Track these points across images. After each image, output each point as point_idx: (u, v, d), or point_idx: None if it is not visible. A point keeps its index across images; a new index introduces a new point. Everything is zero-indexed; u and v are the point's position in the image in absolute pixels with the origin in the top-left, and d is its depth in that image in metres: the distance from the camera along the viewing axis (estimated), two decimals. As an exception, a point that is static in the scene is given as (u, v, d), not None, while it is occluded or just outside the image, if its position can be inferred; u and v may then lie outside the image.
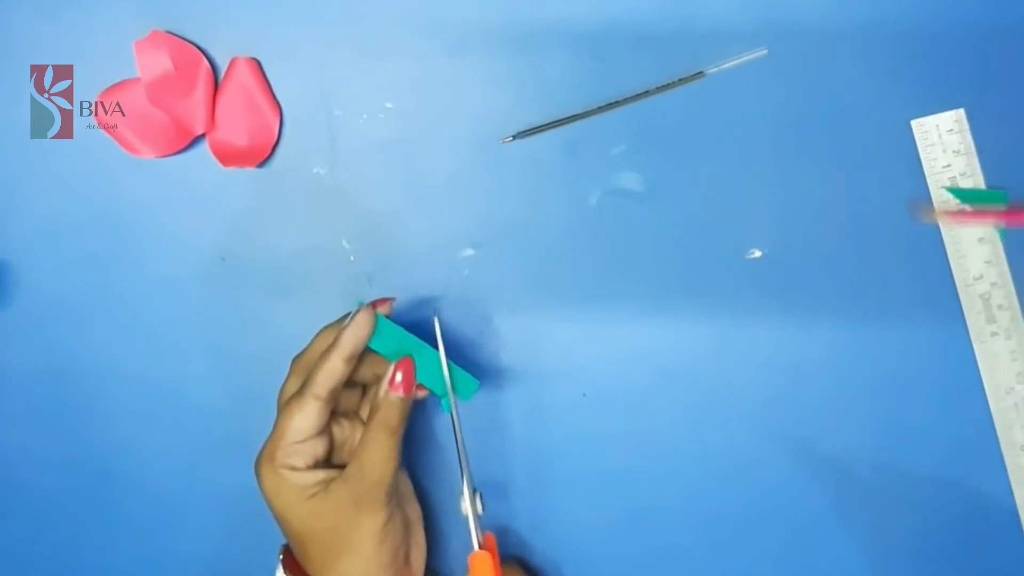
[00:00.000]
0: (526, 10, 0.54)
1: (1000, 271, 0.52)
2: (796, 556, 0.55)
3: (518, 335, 0.55)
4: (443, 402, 0.50)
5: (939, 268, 0.53)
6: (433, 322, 0.50)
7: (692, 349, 0.54)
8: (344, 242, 0.55)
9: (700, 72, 0.53)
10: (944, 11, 0.52)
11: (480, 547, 0.48)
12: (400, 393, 0.48)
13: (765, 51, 0.53)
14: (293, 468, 0.48)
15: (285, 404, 0.49)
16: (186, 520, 0.57)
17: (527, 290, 0.55)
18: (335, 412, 0.51)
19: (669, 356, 0.54)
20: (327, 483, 0.48)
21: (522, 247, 0.55)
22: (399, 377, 0.48)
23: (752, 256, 0.54)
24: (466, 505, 0.49)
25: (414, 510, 0.53)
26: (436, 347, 0.50)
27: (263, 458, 0.48)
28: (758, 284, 0.54)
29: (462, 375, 0.50)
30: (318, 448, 0.49)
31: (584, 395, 0.55)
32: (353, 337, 0.48)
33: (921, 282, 0.53)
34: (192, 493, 0.57)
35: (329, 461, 0.50)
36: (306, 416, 0.48)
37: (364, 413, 0.52)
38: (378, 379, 0.50)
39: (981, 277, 0.52)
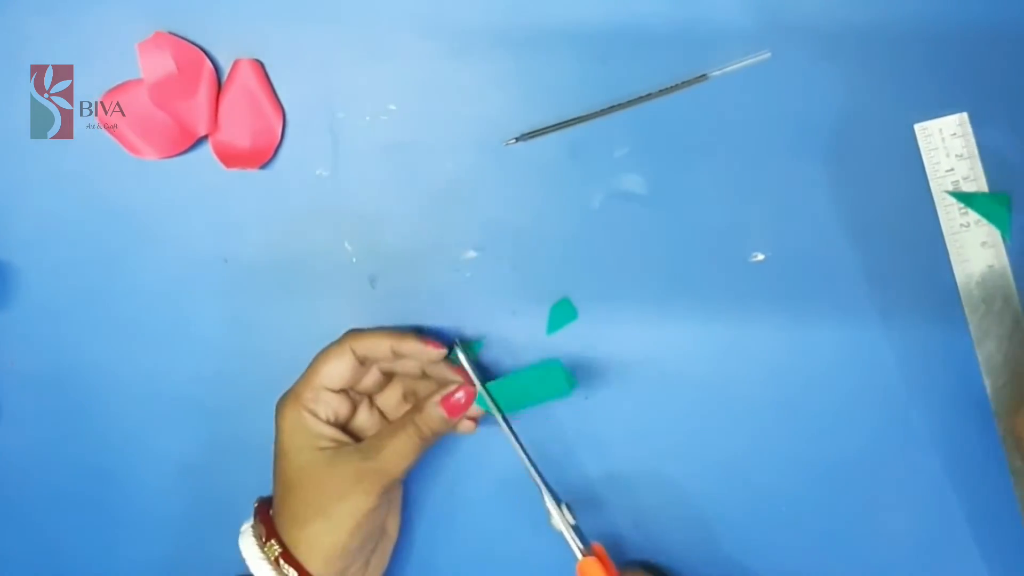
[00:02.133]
0: (529, 12, 0.54)
1: (1003, 275, 0.52)
2: (798, 557, 0.55)
3: (520, 337, 0.55)
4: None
5: (941, 271, 0.53)
6: (456, 351, 0.51)
7: (694, 352, 0.54)
8: (346, 244, 0.55)
9: (703, 75, 0.53)
10: (947, 15, 0.52)
11: (583, 555, 0.48)
12: (444, 413, 0.49)
13: (768, 54, 0.53)
14: (314, 414, 0.49)
15: (321, 352, 0.50)
16: (186, 521, 0.57)
17: (529, 293, 0.55)
18: (370, 399, 0.52)
19: (671, 359, 0.54)
20: (340, 444, 0.49)
21: (525, 249, 0.55)
22: (459, 397, 0.49)
23: (755, 259, 0.54)
24: (556, 520, 0.49)
25: (394, 525, 0.53)
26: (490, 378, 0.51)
27: (288, 396, 0.50)
28: (761, 287, 0.54)
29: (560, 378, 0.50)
30: (341, 408, 0.50)
31: (586, 398, 0.55)
32: (415, 351, 0.50)
33: (923, 285, 0.53)
34: (192, 494, 0.57)
35: (346, 430, 0.51)
36: (338, 364, 0.49)
37: (390, 412, 0.53)
38: (426, 378, 0.51)
39: (983, 281, 0.52)
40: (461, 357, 0.51)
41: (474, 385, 0.50)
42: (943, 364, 0.53)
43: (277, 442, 0.50)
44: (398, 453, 0.49)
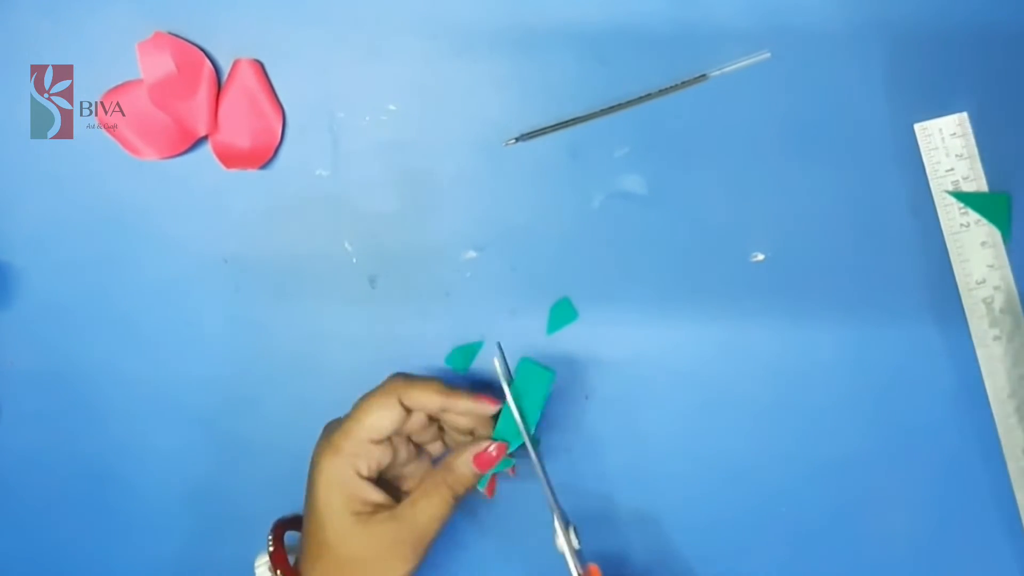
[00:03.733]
0: (530, 13, 0.54)
1: (1003, 275, 0.52)
2: (799, 557, 0.55)
3: (520, 337, 0.55)
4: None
5: (942, 272, 0.53)
6: (494, 362, 0.49)
7: (695, 352, 0.54)
8: (346, 244, 0.55)
9: (703, 75, 0.53)
10: (947, 15, 0.52)
11: None
12: (476, 469, 0.49)
13: (768, 54, 0.53)
14: (355, 469, 0.48)
15: (364, 399, 0.49)
16: (185, 522, 0.57)
17: (529, 292, 0.55)
18: (409, 438, 0.51)
19: (672, 359, 0.54)
20: (375, 510, 0.48)
21: (525, 250, 0.55)
22: (491, 451, 0.49)
23: (755, 259, 0.54)
24: (561, 541, 0.49)
25: None
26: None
27: (328, 446, 0.48)
28: (761, 287, 0.54)
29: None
30: (384, 457, 0.49)
31: (587, 397, 0.55)
32: (468, 409, 0.49)
33: (924, 286, 0.53)
34: (192, 494, 0.57)
35: (382, 480, 0.50)
36: (385, 416, 0.48)
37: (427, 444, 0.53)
38: (461, 432, 0.50)
39: (984, 281, 0.52)
40: (498, 368, 0.49)
41: (503, 406, 0.49)
42: (943, 364, 0.53)
43: (312, 495, 0.48)
44: (433, 517, 0.48)
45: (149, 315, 0.56)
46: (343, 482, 0.48)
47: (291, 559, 0.50)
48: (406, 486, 0.52)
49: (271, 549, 0.50)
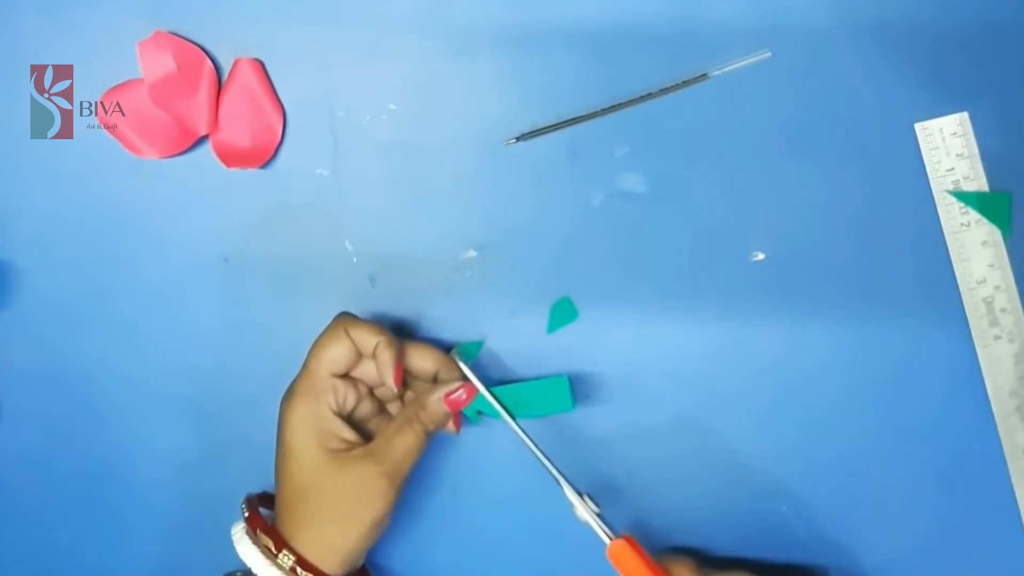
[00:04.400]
0: (530, 12, 0.54)
1: (1003, 274, 0.52)
2: (799, 557, 0.55)
3: (520, 337, 0.55)
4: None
5: (942, 271, 0.53)
6: (455, 359, 0.51)
7: (695, 351, 0.54)
8: (346, 243, 0.55)
9: (704, 75, 0.53)
10: (948, 14, 0.52)
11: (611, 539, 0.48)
12: (447, 408, 0.50)
13: (769, 54, 0.53)
14: (324, 406, 0.49)
15: (316, 341, 0.50)
16: (185, 522, 0.57)
17: (529, 292, 0.55)
18: (372, 393, 0.52)
19: (672, 358, 0.54)
20: (350, 446, 0.49)
21: (525, 249, 0.55)
22: (460, 394, 0.50)
23: (755, 259, 0.54)
24: (581, 511, 0.49)
25: None
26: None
27: (293, 390, 0.50)
28: (761, 287, 0.54)
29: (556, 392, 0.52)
30: (349, 397, 0.50)
31: (587, 396, 0.55)
32: (383, 371, 0.50)
33: (924, 285, 0.53)
34: (192, 493, 0.57)
35: (350, 421, 0.51)
36: (338, 348, 0.49)
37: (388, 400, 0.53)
38: (429, 376, 0.51)
39: (984, 281, 0.52)
40: (459, 361, 0.51)
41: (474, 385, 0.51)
42: (944, 363, 0.53)
43: (282, 442, 0.50)
44: (408, 451, 0.49)
45: (149, 314, 0.56)
46: (314, 419, 0.49)
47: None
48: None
49: (246, 515, 0.51)
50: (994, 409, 0.53)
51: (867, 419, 0.54)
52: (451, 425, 0.51)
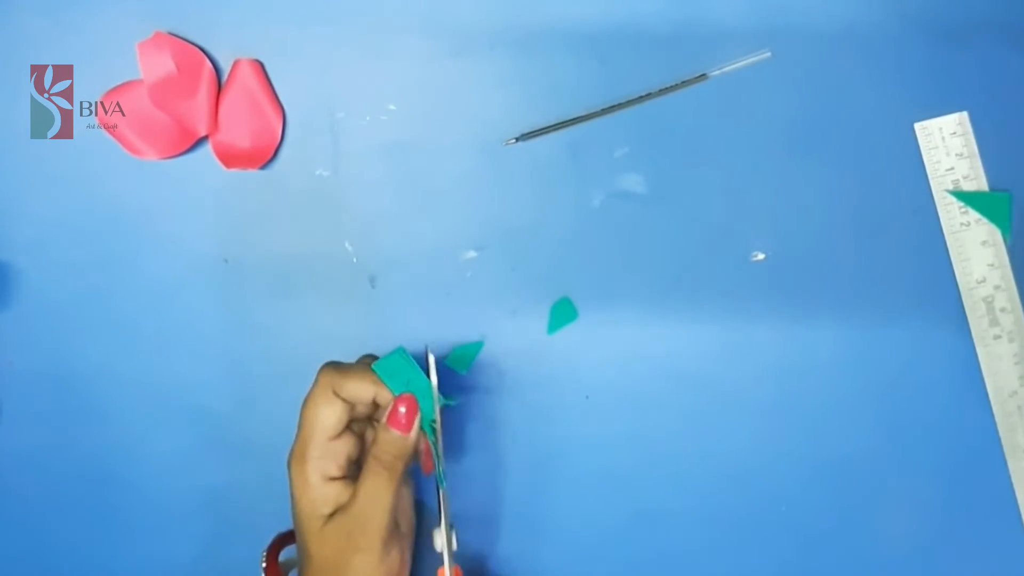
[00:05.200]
0: (530, 12, 0.54)
1: (1003, 274, 0.52)
2: (800, 557, 0.55)
3: (521, 337, 0.55)
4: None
5: (942, 271, 0.53)
6: (427, 356, 0.49)
7: (696, 351, 0.54)
8: (347, 244, 0.55)
9: (703, 75, 0.53)
10: (947, 14, 0.52)
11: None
12: (399, 432, 0.48)
13: (768, 53, 0.53)
14: (322, 472, 0.48)
15: (305, 403, 0.48)
16: (184, 522, 0.57)
17: (529, 292, 0.55)
18: (370, 417, 0.51)
19: (673, 358, 0.54)
20: (337, 508, 0.48)
21: (525, 249, 0.55)
22: (402, 409, 0.48)
23: (755, 259, 0.54)
24: (441, 540, 0.49)
25: (408, 524, 0.52)
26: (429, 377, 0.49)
27: (293, 457, 0.48)
28: (761, 287, 0.54)
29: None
30: (352, 449, 0.49)
31: (587, 397, 0.55)
32: (387, 402, 0.48)
33: (924, 285, 0.53)
34: (191, 495, 0.57)
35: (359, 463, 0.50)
36: (329, 413, 0.48)
37: None
38: (368, 403, 0.49)
39: (984, 280, 0.52)
40: (431, 359, 0.49)
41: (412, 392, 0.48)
42: (944, 363, 0.53)
43: (292, 505, 0.49)
44: (374, 500, 0.47)
45: (149, 315, 0.56)
46: (312, 488, 0.48)
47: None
48: None
49: (264, 565, 0.51)
50: (994, 408, 0.53)
51: (867, 419, 0.54)
52: (422, 467, 0.50)
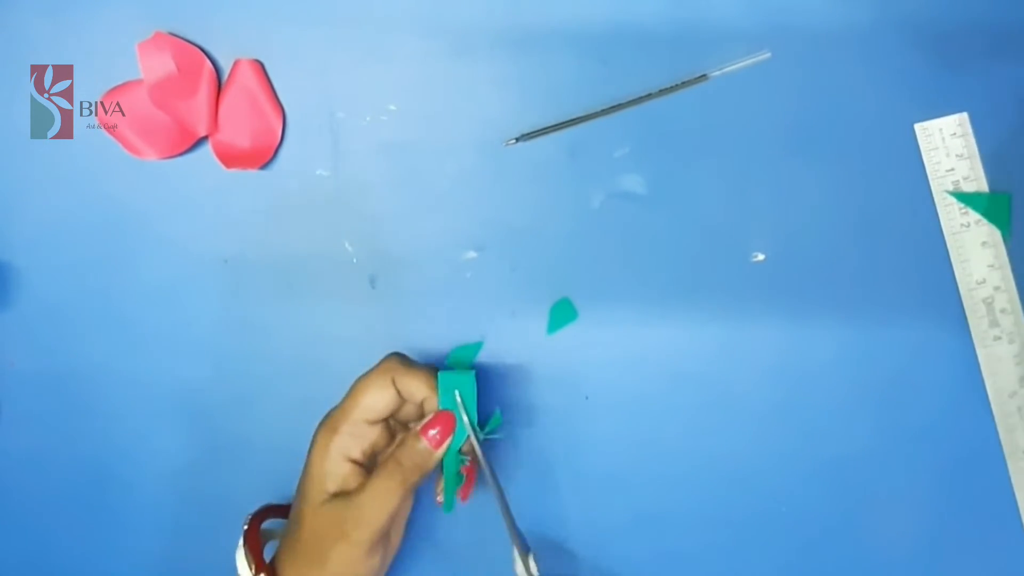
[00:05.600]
0: (530, 13, 0.54)
1: (1003, 275, 0.52)
2: (800, 558, 0.55)
3: (520, 338, 0.55)
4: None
5: (942, 272, 0.53)
6: (456, 399, 0.49)
7: (695, 352, 0.54)
8: (346, 244, 0.55)
9: (703, 75, 0.53)
10: (948, 15, 0.52)
11: None
12: (427, 445, 0.48)
13: (769, 54, 0.53)
14: (344, 450, 0.48)
15: (361, 379, 0.49)
16: (185, 523, 0.57)
17: (529, 293, 0.55)
18: (405, 423, 0.51)
19: (672, 359, 0.54)
20: (339, 492, 0.48)
21: (525, 250, 0.55)
22: (434, 431, 0.48)
23: (755, 259, 0.54)
24: (520, 568, 0.49)
25: (397, 536, 0.51)
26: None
27: (326, 426, 0.49)
28: (761, 287, 0.54)
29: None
30: (380, 440, 0.49)
31: (587, 398, 0.55)
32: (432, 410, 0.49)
33: (924, 286, 0.53)
34: (192, 494, 0.57)
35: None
36: (380, 396, 0.48)
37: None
38: (416, 400, 0.49)
39: (984, 281, 0.52)
40: (458, 398, 0.49)
41: (465, 427, 0.48)
42: (943, 364, 0.53)
43: (305, 469, 0.49)
44: (378, 496, 0.47)
45: (149, 315, 0.56)
46: (332, 461, 0.48)
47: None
48: None
49: (245, 528, 0.51)
50: (994, 410, 0.53)
51: (867, 419, 0.54)
52: (459, 495, 0.50)
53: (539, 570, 0.49)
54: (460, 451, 0.49)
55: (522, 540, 0.49)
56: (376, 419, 0.49)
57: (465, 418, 0.48)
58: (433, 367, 0.50)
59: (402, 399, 0.49)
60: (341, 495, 0.48)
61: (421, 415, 0.51)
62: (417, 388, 0.48)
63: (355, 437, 0.48)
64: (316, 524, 0.48)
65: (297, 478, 0.50)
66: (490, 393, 0.55)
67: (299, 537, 0.48)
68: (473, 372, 0.49)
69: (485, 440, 0.49)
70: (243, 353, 0.56)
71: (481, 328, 0.55)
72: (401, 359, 0.50)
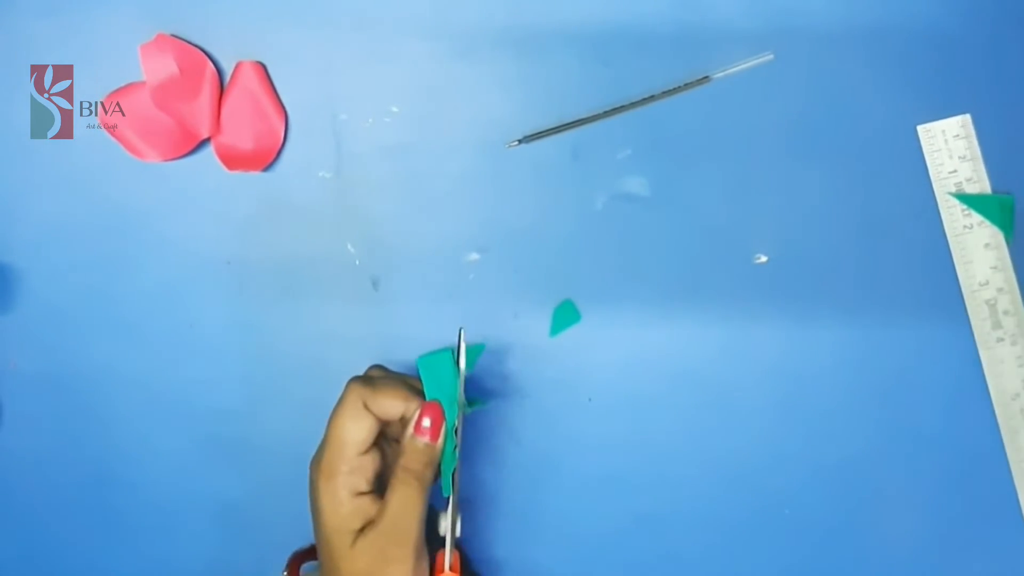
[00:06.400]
0: (532, 14, 0.53)
1: (1006, 277, 0.52)
2: (802, 559, 0.55)
3: (523, 339, 0.55)
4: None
5: (945, 273, 0.53)
6: (459, 334, 0.49)
7: (698, 353, 0.54)
8: (349, 246, 0.55)
9: (706, 77, 0.53)
10: (950, 16, 0.52)
11: (450, 568, 0.48)
12: (426, 439, 0.48)
13: (771, 56, 0.53)
14: (350, 488, 0.47)
15: (333, 416, 0.47)
16: (188, 525, 0.57)
17: (532, 295, 0.55)
18: (386, 434, 0.50)
19: (675, 360, 0.54)
20: (367, 523, 0.47)
21: (527, 251, 0.55)
22: (426, 423, 0.48)
23: (758, 261, 0.54)
24: (446, 525, 0.49)
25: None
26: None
27: (321, 472, 0.47)
28: (764, 289, 0.54)
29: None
30: (378, 463, 0.48)
31: (590, 399, 0.55)
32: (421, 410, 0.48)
33: (927, 287, 0.53)
34: (194, 498, 0.57)
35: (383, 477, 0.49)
36: (359, 429, 0.47)
37: None
38: (396, 418, 0.49)
39: (987, 283, 0.53)
40: (462, 344, 0.49)
41: (433, 399, 0.48)
42: (947, 366, 0.53)
43: (315, 521, 0.48)
44: (405, 510, 0.47)
45: (152, 317, 0.56)
46: (340, 503, 0.47)
47: None
48: None
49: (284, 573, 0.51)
50: (997, 411, 0.53)
51: (869, 421, 0.54)
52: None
53: (460, 530, 0.49)
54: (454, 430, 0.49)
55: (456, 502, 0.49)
56: (365, 449, 0.47)
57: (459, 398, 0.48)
58: (395, 376, 0.49)
59: (382, 422, 0.48)
60: (368, 527, 0.47)
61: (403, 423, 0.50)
62: (391, 406, 0.47)
63: (355, 472, 0.47)
64: (357, 564, 0.47)
65: (301, 481, 0.49)
66: (493, 395, 0.55)
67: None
68: (449, 349, 0.48)
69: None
70: (245, 354, 0.56)
71: (484, 330, 0.55)
72: (364, 382, 0.48)
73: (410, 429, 0.48)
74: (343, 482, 0.47)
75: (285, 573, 0.51)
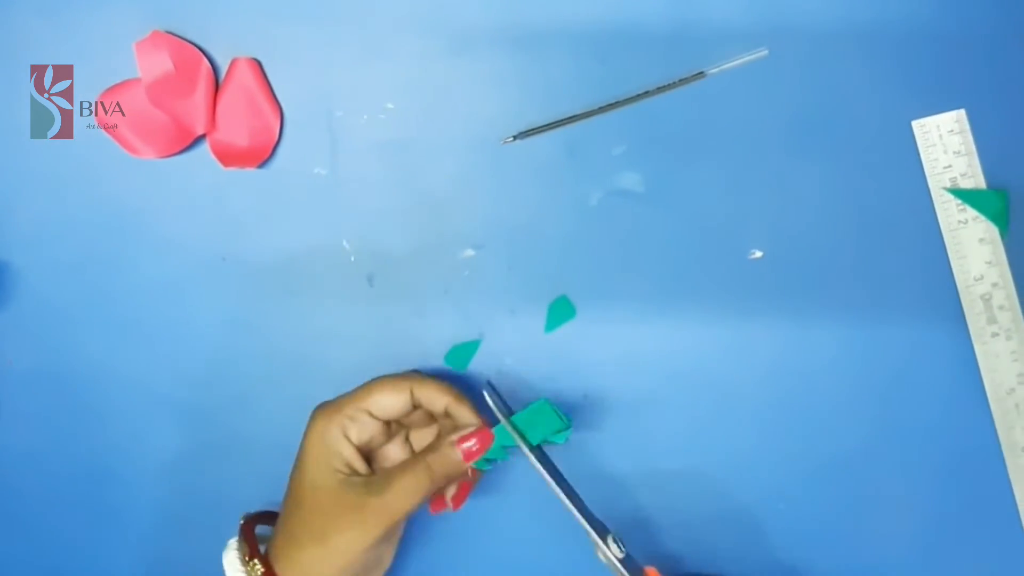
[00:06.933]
0: (527, 10, 0.54)
1: (1001, 272, 0.52)
2: (799, 556, 0.55)
3: (519, 336, 0.55)
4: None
5: (940, 269, 0.53)
6: (484, 395, 0.49)
7: (692, 350, 0.54)
8: (344, 242, 0.55)
9: (701, 72, 0.53)
10: (945, 12, 0.52)
11: None
12: (459, 456, 0.48)
13: (766, 52, 0.53)
14: (345, 432, 0.48)
15: (379, 378, 0.50)
16: (185, 522, 0.57)
17: (527, 291, 0.55)
18: (407, 433, 0.52)
19: (670, 357, 0.54)
20: (353, 472, 0.48)
21: (523, 248, 0.55)
22: (472, 443, 0.48)
23: (753, 257, 0.54)
24: (603, 551, 0.48)
25: (389, 555, 0.51)
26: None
27: (327, 405, 0.49)
28: (759, 285, 0.54)
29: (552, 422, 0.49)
30: (377, 436, 0.50)
31: (585, 396, 0.55)
32: (468, 422, 0.49)
33: (922, 283, 0.53)
34: (191, 493, 0.57)
35: (373, 456, 0.51)
36: (393, 398, 0.49)
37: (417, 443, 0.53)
38: (439, 410, 0.50)
39: (982, 278, 0.52)
40: (489, 400, 0.49)
41: (495, 426, 0.49)
42: (942, 361, 0.53)
43: (301, 447, 0.49)
44: (405, 492, 0.47)
45: (148, 314, 0.56)
46: (331, 439, 0.48)
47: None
48: (383, 465, 0.51)
49: (241, 522, 0.51)
50: (992, 406, 0.53)
51: (864, 416, 0.54)
52: (450, 502, 0.50)
53: (623, 548, 0.48)
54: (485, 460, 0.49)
55: (598, 524, 0.49)
56: (382, 416, 0.49)
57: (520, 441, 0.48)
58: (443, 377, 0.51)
59: (414, 407, 0.50)
60: (356, 477, 0.48)
61: (429, 423, 0.52)
62: (438, 396, 0.49)
63: (356, 422, 0.49)
64: (324, 503, 0.48)
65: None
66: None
67: (300, 517, 0.48)
68: (544, 399, 0.49)
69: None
70: (241, 351, 0.56)
71: (479, 326, 0.55)
72: (421, 374, 0.51)
73: (454, 436, 0.48)
74: (341, 422, 0.48)
75: (241, 521, 0.51)
